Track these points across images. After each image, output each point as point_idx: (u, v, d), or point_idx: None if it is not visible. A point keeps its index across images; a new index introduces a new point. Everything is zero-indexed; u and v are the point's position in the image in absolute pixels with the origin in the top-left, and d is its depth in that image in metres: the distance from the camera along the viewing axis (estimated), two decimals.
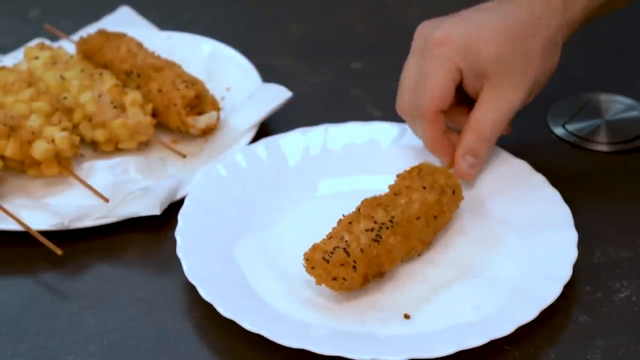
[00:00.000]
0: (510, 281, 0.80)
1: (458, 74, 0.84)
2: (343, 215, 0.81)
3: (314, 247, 0.78)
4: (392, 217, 0.80)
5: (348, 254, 0.77)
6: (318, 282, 0.78)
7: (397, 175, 0.85)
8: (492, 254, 0.84)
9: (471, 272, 0.82)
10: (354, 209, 0.82)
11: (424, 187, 0.82)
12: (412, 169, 0.85)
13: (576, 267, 0.80)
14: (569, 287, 0.79)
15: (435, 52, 0.84)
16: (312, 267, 0.77)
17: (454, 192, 0.84)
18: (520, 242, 0.84)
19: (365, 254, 0.77)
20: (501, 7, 0.85)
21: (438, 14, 1.18)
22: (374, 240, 0.78)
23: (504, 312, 0.77)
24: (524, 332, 0.76)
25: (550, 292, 0.78)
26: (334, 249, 0.77)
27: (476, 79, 0.84)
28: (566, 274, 0.79)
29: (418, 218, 0.80)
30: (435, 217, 0.82)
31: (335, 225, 0.81)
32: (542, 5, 0.84)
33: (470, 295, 0.80)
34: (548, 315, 0.77)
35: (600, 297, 0.81)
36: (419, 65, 0.85)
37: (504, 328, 0.75)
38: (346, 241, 0.77)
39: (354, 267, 0.77)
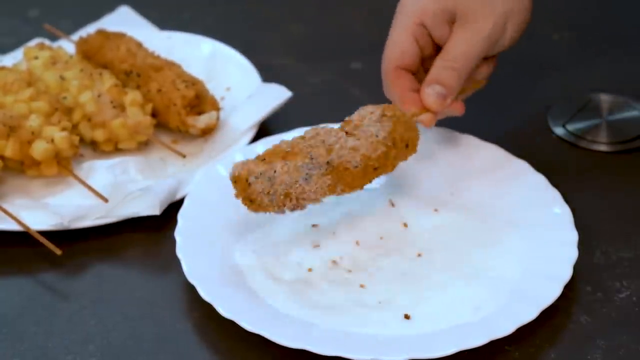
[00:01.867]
0: (510, 281, 0.80)
1: (420, 29, 0.85)
2: (290, 139, 0.80)
3: (244, 164, 0.78)
4: (330, 160, 0.78)
5: (272, 183, 0.76)
6: (236, 196, 0.78)
7: (360, 109, 0.83)
8: (492, 254, 0.84)
9: (471, 272, 0.82)
10: (299, 135, 0.81)
11: (376, 136, 0.80)
12: (376, 108, 0.82)
13: (576, 267, 0.80)
14: (569, 287, 0.79)
15: (398, 13, 0.86)
16: (235, 182, 0.78)
17: (407, 145, 0.81)
18: (520, 242, 0.84)
19: (288, 191, 0.77)
20: None
21: None
22: (303, 178, 0.77)
23: (504, 312, 0.77)
24: (524, 332, 0.76)
25: (550, 292, 0.77)
26: (260, 174, 0.77)
27: (447, 26, 0.84)
28: (566, 274, 0.79)
29: (356, 167, 0.78)
30: (375, 169, 0.80)
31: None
32: None
33: (471, 296, 0.80)
34: (548, 315, 0.77)
35: (600, 297, 0.81)
36: (390, 31, 0.87)
37: (505, 328, 0.75)
38: (274, 171, 0.77)
39: (272, 198, 0.77)
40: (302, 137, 0.79)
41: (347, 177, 0.78)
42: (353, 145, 0.79)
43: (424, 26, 0.85)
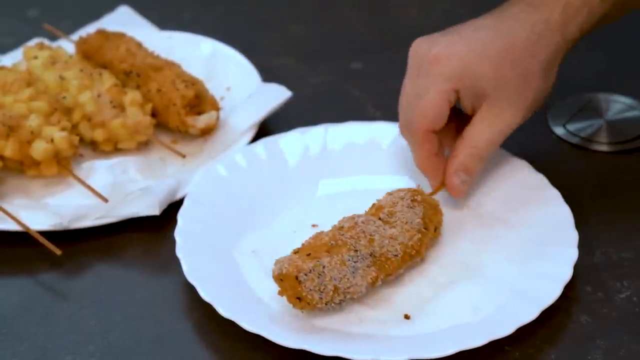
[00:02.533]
0: (510, 281, 0.80)
1: (454, 95, 0.82)
2: (322, 231, 0.80)
3: (291, 261, 0.76)
4: (373, 252, 0.78)
5: (322, 280, 0.76)
6: (280, 294, 0.77)
7: (388, 193, 0.83)
8: (492, 254, 0.84)
9: (471, 273, 0.82)
10: (338, 225, 0.80)
11: (411, 223, 0.81)
12: (406, 192, 0.83)
13: (577, 267, 0.80)
14: (569, 287, 0.79)
15: (432, 70, 0.81)
16: (282, 280, 0.76)
17: (435, 229, 0.83)
18: (520, 242, 0.84)
19: (337, 285, 0.76)
20: (501, 24, 0.83)
21: (438, 15, 1.18)
22: (351, 272, 0.77)
23: (504, 312, 0.77)
24: (524, 333, 0.76)
25: (550, 293, 0.77)
26: (310, 271, 0.75)
27: (474, 99, 0.82)
28: (567, 274, 0.79)
29: (396, 256, 0.79)
30: (411, 255, 0.80)
31: (333, 226, 0.81)
32: (542, 22, 0.81)
33: (471, 296, 0.80)
34: (548, 315, 0.77)
35: (600, 298, 0.81)
36: (414, 83, 0.83)
37: (505, 328, 0.75)
38: (323, 267, 0.76)
39: (322, 294, 0.76)
40: (341, 227, 0.79)
41: (388, 267, 0.79)
42: (391, 234, 0.79)
43: (457, 92, 0.82)
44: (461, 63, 0.80)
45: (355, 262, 0.77)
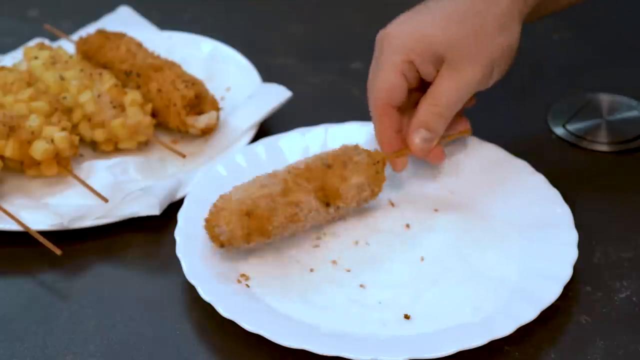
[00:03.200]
0: (510, 281, 0.80)
1: (407, 66, 0.84)
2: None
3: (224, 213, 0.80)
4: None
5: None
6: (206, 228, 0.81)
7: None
8: (491, 253, 0.83)
9: (471, 272, 0.82)
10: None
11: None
12: (363, 150, 0.86)
13: (576, 267, 0.80)
14: (569, 287, 0.79)
15: (384, 46, 0.84)
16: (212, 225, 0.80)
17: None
18: (520, 242, 0.84)
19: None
20: None
21: None
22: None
23: (504, 312, 0.77)
24: (524, 333, 0.76)
25: (550, 292, 0.77)
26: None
27: (433, 65, 0.84)
28: (566, 274, 0.79)
29: (330, 167, 0.82)
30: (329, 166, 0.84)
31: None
32: None
33: (471, 295, 0.80)
34: (548, 315, 0.77)
35: (600, 297, 0.80)
36: (374, 63, 0.86)
37: (504, 328, 0.75)
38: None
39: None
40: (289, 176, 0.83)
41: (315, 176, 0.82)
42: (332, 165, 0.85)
43: (412, 63, 0.84)
44: (410, 35, 0.83)
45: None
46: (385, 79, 0.84)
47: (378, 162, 0.85)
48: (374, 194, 0.86)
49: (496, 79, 0.86)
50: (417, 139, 0.85)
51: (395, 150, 0.86)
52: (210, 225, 0.80)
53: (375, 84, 0.85)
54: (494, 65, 0.84)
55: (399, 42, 0.84)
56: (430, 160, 0.87)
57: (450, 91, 0.83)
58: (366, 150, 0.86)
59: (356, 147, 0.86)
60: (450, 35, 0.83)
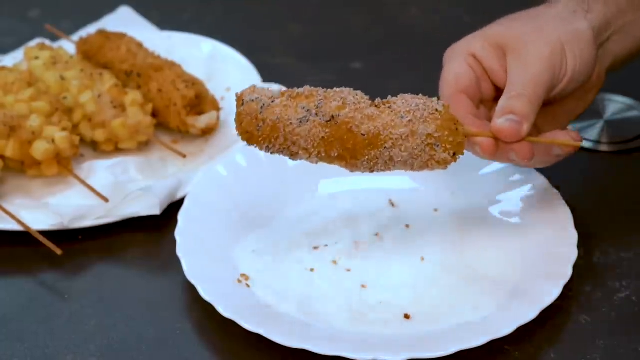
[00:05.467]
0: (510, 281, 0.80)
1: (471, 57, 0.81)
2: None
3: (254, 87, 0.73)
4: (336, 115, 0.70)
5: (263, 110, 0.71)
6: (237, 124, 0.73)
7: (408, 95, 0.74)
8: (492, 254, 0.83)
9: (471, 272, 0.82)
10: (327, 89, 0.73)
11: (402, 117, 0.71)
12: (429, 100, 0.73)
13: (576, 267, 0.80)
14: (569, 287, 0.79)
15: (448, 53, 0.83)
16: (237, 100, 0.73)
17: (436, 146, 0.71)
18: (520, 242, 0.84)
19: (276, 125, 0.71)
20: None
21: (438, 14, 1.18)
22: (298, 119, 0.71)
23: (504, 312, 0.77)
24: (524, 332, 0.76)
25: (550, 292, 0.77)
26: (257, 98, 0.72)
27: (496, 58, 0.80)
28: (566, 273, 0.79)
29: (363, 135, 0.70)
30: (386, 147, 0.71)
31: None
32: (564, 10, 0.82)
33: (471, 295, 0.79)
34: (548, 315, 0.77)
35: (600, 297, 0.80)
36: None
37: (505, 328, 0.75)
38: (272, 101, 0.71)
39: (259, 126, 0.71)
40: (328, 90, 0.73)
41: (347, 142, 0.70)
42: (371, 114, 0.71)
43: (475, 57, 0.81)
44: (471, 36, 0.82)
45: (309, 113, 0.70)
46: (450, 69, 0.80)
47: (455, 122, 0.72)
48: (449, 154, 0.72)
49: (573, 66, 0.79)
50: (501, 120, 0.75)
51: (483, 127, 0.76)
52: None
53: (442, 78, 0.80)
54: (562, 44, 0.79)
55: (461, 43, 0.82)
56: (516, 152, 0.76)
57: (523, 72, 0.77)
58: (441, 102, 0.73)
59: (430, 99, 0.73)
60: (510, 28, 0.81)
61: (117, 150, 0.98)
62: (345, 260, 0.84)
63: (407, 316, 0.78)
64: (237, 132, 0.73)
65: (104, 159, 0.96)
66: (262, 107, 0.71)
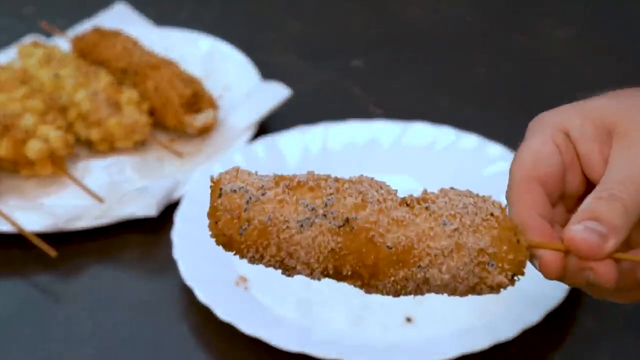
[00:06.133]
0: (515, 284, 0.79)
1: (562, 137, 0.59)
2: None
3: (234, 170, 0.54)
4: (352, 218, 0.52)
5: (249, 207, 0.52)
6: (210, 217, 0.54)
7: (455, 189, 0.56)
8: None
9: None
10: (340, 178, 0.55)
11: (444, 224, 0.53)
12: (480, 199, 0.55)
13: None
14: (574, 290, 0.78)
15: (534, 125, 0.61)
16: (210, 189, 0.54)
17: (489, 265, 0.52)
18: None
19: (267, 229, 0.52)
20: None
21: (439, 11, 1.17)
22: (298, 222, 0.52)
23: (508, 314, 0.76)
24: (529, 336, 0.75)
25: (555, 295, 0.76)
26: (241, 188, 0.53)
27: (596, 142, 0.59)
28: None
29: (390, 248, 0.52)
30: (419, 267, 0.52)
31: None
32: None
33: (474, 298, 0.77)
34: (554, 318, 0.76)
35: (605, 300, 0.79)
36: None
37: (509, 331, 0.74)
38: (262, 194, 0.52)
39: (243, 228, 0.52)
40: (339, 180, 0.54)
41: (367, 256, 0.52)
42: (401, 217, 0.52)
43: (567, 136, 0.59)
44: (568, 107, 0.61)
45: (314, 214, 0.52)
46: (529, 145, 0.59)
47: (516, 232, 0.54)
48: (506, 277, 0.53)
49: None
50: (579, 228, 0.54)
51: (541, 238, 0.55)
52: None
53: (517, 154, 0.60)
54: None
55: (552, 115, 0.61)
56: (594, 272, 0.54)
57: (626, 167, 0.56)
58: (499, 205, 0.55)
59: (482, 198, 0.55)
60: (623, 105, 0.59)
61: (113, 149, 0.97)
62: None
63: (409, 319, 0.78)
64: (210, 233, 0.54)
65: (100, 158, 0.95)
66: (247, 202, 0.52)
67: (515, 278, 0.54)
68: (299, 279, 0.81)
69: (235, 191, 0.53)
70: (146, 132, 0.96)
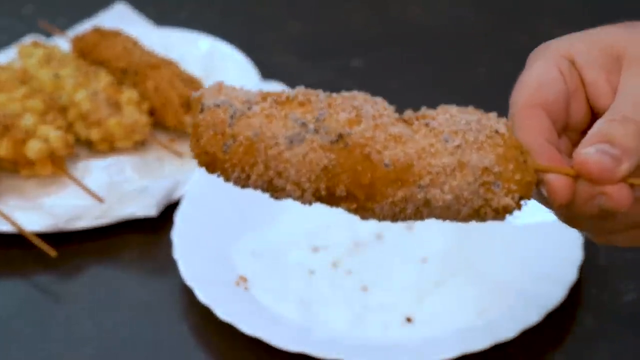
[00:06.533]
0: (514, 283, 0.79)
1: (567, 64, 0.56)
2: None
3: (218, 85, 0.50)
4: (345, 134, 0.47)
5: (233, 122, 0.48)
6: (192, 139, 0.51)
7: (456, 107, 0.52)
8: (496, 255, 0.82)
9: (474, 274, 0.81)
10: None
11: (446, 141, 0.49)
12: (484, 116, 0.52)
13: (582, 269, 0.79)
14: (574, 289, 0.78)
15: (539, 52, 0.58)
16: (191, 105, 0.51)
17: (495, 186, 0.49)
18: (524, 244, 0.83)
19: (254, 145, 0.48)
20: None
21: (439, 11, 1.17)
22: (288, 138, 0.48)
23: (508, 314, 0.76)
24: (529, 335, 0.75)
25: (555, 294, 0.76)
26: (224, 102, 0.49)
27: (603, 70, 0.56)
28: (572, 275, 0.78)
29: (387, 165, 0.47)
30: (420, 186, 0.48)
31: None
32: None
33: (474, 298, 0.79)
34: (553, 317, 0.76)
35: (606, 299, 0.80)
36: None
37: (509, 331, 0.74)
38: (248, 108, 0.48)
39: (227, 145, 0.49)
40: (331, 95, 0.50)
41: (363, 175, 0.48)
42: (399, 133, 0.48)
43: (572, 63, 0.56)
44: (574, 36, 0.58)
45: (305, 129, 0.48)
46: (532, 72, 0.56)
47: (522, 152, 0.50)
48: (513, 199, 0.49)
49: None
50: (592, 150, 0.51)
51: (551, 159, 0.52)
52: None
53: (519, 81, 0.57)
54: None
55: (557, 42, 0.58)
56: (609, 196, 0.50)
57: (638, 92, 0.53)
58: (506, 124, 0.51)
59: (486, 115, 0.52)
60: (633, 33, 0.56)
61: (113, 149, 0.96)
62: (346, 262, 0.83)
63: (409, 319, 0.77)
64: (192, 154, 0.51)
65: (99, 158, 0.95)
66: (232, 117, 0.48)
67: (522, 202, 0.50)
68: (299, 280, 0.81)
69: (218, 105, 0.48)
70: (146, 132, 0.96)
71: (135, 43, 1.03)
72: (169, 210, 0.88)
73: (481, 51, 1.12)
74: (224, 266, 0.82)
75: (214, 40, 1.10)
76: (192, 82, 0.97)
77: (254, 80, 1.03)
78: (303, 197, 0.49)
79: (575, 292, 0.79)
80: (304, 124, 0.48)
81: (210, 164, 0.50)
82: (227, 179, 0.50)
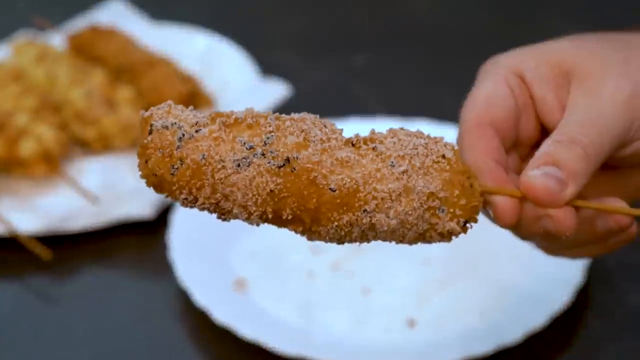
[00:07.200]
0: (519, 286, 0.78)
1: (515, 78, 0.57)
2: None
3: (166, 106, 0.52)
4: (292, 158, 0.49)
5: (182, 145, 0.49)
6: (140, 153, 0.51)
7: (403, 129, 0.53)
8: (500, 257, 0.82)
9: (478, 276, 0.80)
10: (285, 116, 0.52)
11: (392, 165, 0.50)
12: (432, 139, 0.52)
13: (588, 272, 0.78)
14: (580, 292, 0.77)
15: (487, 67, 0.59)
16: (140, 126, 0.52)
17: (439, 210, 0.50)
18: (530, 246, 0.82)
19: (200, 168, 0.49)
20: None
21: (443, 6, 1.16)
22: (235, 161, 0.49)
23: (513, 318, 0.75)
24: (534, 339, 0.74)
25: (561, 298, 0.75)
26: (173, 124, 0.50)
27: (552, 86, 0.56)
28: (578, 278, 0.77)
29: (333, 190, 0.49)
30: (365, 211, 0.49)
31: None
32: None
33: (478, 301, 0.78)
34: (559, 320, 0.75)
35: (613, 302, 0.79)
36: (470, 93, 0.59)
37: (514, 334, 0.73)
38: (196, 131, 0.50)
39: (175, 167, 0.49)
40: (280, 117, 0.52)
41: (308, 199, 0.49)
42: (346, 158, 0.50)
43: (522, 79, 0.57)
44: (524, 51, 0.59)
45: (252, 153, 0.49)
46: (481, 89, 0.57)
47: (469, 176, 0.51)
48: (458, 224, 0.51)
49: None
50: (536, 171, 0.51)
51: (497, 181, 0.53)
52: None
53: (468, 99, 0.57)
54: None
55: (506, 57, 0.59)
56: (554, 219, 0.52)
57: (585, 110, 0.54)
58: (452, 147, 0.52)
59: (434, 139, 0.52)
60: (583, 48, 0.57)
61: (108, 148, 0.96)
62: (346, 264, 0.82)
63: (411, 322, 0.77)
64: (139, 174, 0.51)
65: (95, 158, 0.94)
66: (180, 139, 0.49)
67: (468, 225, 0.52)
68: (299, 280, 0.80)
69: (167, 127, 0.50)
70: None
71: (130, 40, 1.02)
72: (165, 212, 0.87)
73: (486, 47, 1.11)
74: (221, 268, 0.81)
75: (212, 37, 1.09)
76: (188, 80, 0.97)
77: (252, 77, 1.02)
78: (250, 220, 0.51)
79: (582, 295, 0.78)
80: (251, 148, 0.49)
81: (158, 185, 0.51)
82: (174, 200, 0.51)
